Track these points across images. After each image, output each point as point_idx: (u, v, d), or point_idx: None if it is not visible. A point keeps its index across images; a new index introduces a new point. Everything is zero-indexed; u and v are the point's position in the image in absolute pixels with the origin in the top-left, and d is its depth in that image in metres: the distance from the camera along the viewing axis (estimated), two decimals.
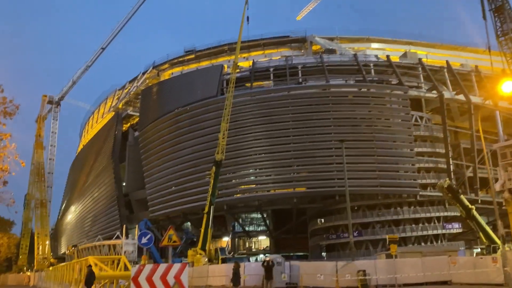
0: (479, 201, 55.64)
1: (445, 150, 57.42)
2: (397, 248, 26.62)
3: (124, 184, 76.39)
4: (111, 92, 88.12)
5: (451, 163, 57.36)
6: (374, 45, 73.95)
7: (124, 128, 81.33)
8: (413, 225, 54.74)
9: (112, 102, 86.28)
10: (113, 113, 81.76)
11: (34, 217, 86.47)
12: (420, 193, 54.65)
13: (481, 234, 44.16)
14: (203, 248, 39.52)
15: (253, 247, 71.45)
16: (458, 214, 52.18)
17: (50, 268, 42.42)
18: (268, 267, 21.26)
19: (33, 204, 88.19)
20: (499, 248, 41.57)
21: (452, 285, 23.87)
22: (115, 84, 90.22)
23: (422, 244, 53.84)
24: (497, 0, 43.54)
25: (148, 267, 13.26)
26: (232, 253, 57.97)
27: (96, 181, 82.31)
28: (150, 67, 79.24)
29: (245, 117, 57.13)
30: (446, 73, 61.60)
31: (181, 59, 77.48)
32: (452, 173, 56.52)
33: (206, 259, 38.15)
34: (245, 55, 70.18)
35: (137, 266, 13.57)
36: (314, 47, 72.46)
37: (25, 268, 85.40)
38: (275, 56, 71.40)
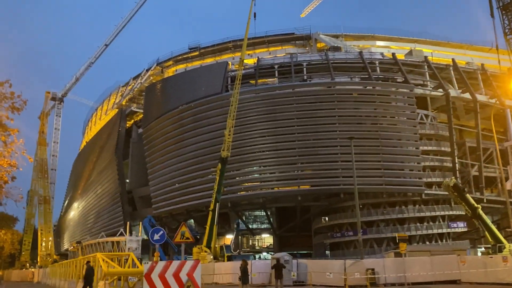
0: (485, 200, 55.40)
1: (451, 149, 57.14)
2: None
3: (127, 181, 76.33)
4: (115, 88, 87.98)
5: (456, 161, 57.06)
6: (379, 43, 73.63)
7: (127, 125, 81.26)
8: (418, 224, 54.50)
9: (115, 99, 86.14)
10: (117, 109, 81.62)
11: (37, 214, 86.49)
12: (425, 191, 54.39)
13: (487, 233, 43.96)
14: (208, 245, 39.39)
15: (256, 245, 71.35)
16: (463, 213, 52.03)
17: (56, 264, 42.32)
18: (278, 266, 21.09)
19: (36, 201, 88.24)
20: (505, 248, 41.46)
21: (461, 284, 23.68)
22: (118, 80, 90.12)
23: (427, 243, 53.65)
24: None
25: (161, 263, 13.06)
26: (238, 250, 57.81)
27: (100, 177, 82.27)
28: (154, 64, 79.00)
29: (249, 114, 56.92)
30: (452, 71, 61.26)
31: (185, 56, 77.25)
32: (457, 172, 56.25)
33: (212, 257, 38.00)
34: (250, 52, 69.86)
35: (150, 262, 13.36)
36: (318, 45, 72.16)
37: (28, 264, 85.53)
38: (279, 53, 71.18)
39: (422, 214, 54.79)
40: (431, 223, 55.01)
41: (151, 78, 78.49)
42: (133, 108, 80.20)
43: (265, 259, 57.48)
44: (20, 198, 23.24)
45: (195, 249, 38.92)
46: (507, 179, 60.29)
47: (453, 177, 48.74)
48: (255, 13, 47.81)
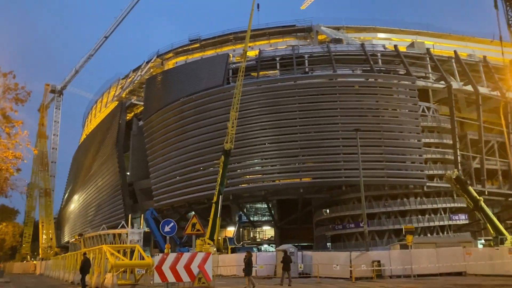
0: (486, 193, 55.49)
1: (453, 141, 57.10)
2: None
3: (128, 173, 76.23)
4: (115, 81, 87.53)
5: (458, 154, 57.06)
6: (381, 35, 73.28)
7: (128, 118, 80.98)
8: (420, 216, 54.60)
9: (115, 91, 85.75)
10: (117, 102, 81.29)
11: (38, 206, 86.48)
12: (427, 184, 54.43)
13: (488, 225, 44.12)
14: (211, 238, 39.39)
15: (257, 237, 71.50)
16: (465, 205, 52.15)
17: (59, 256, 42.33)
18: (286, 259, 21.11)
19: (36, 193, 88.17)
20: (506, 240, 41.61)
21: (467, 276, 23.72)
22: (118, 73, 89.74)
23: (428, 235, 53.78)
24: None
25: (172, 256, 13.03)
26: (242, 243, 57.93)
27: (100, 170, 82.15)
28: (154, 56, 78.50)
29: (251, 107, 56.67)
30: (454, 64, 61.04)
31: (185, 48, 76.74)
32: (459, 164, 56.27)
33: (215, 249, 38.01)
34: (251, 44, 69.09)
35: (160, 255, 13.32)
36: (320, 37, 71.75)
37: (28, 257, 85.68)
38: (280, 45, 70.75)
39: (423, 207, 54.89)
40: (432, 215, 55.13)
41: (151, 70, 78.05)
42: (133, 100, 79.89)
43: (266, 251, 57.65)
44: (26, 190, 23.15)
45: (198, 241, 38.85)
46: (508, 172, 60.55)
47: (455, 170, 48.83)
48: (258, 4, 47.38)
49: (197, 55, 75.21)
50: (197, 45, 75.56)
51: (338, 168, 53.53)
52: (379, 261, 23.68)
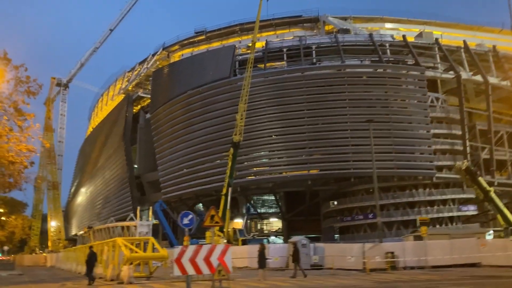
0: (496, 183, 55.12)
1: (462, 132, 56.69)
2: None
3: (135, 166, 76.42)
4: (121, 74, 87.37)
5: (467, 145, 56.66)
6: (388, 25, 72.39)
7: (134, 111, 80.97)
8: (428, 207, 54.42)
9: (121, 84, 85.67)
10: (123, 95, 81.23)
11: (46, 199, 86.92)
12: (436, 175, 54.14)
13: (499, 216, 43.88)
14: (221, 230, 39.40)
15: (264, 229, 71.63)
16: (473, 196, 51.92)
17: (71, 249, 42.55)
18: (296, 251, 21.12)
19: (43, 186, 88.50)
20: None
21: (481, 267, 23.57)
22: (124, 66, 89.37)
23: (437, 226, 53.56)
24: None
25: (191, 248, 12.91)
26: (252, 234, 58.05)
27: (107, 163, 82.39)
28: (160, 49, 78.18)
29: (258, 99, 56.35)
30: (463, 53, 60.39)
31: (191, 40, 76.33)
32: (468, 155, 55.88)
33: (225, 241, 38.04)
34: (257, 35, 68.91)
35: (180, 247, 13.24)
36: (326, 27, 71.01)
37: (37, 249, 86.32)
38: (287, 36, 70.02)
39: (432, 198, 54.73)
40: (441, 206, 54.94)
41: (157, 63, 77.77)
42: (139, 93, 79.78)
43: (274, 243, 57.67)
44: (39, 182, 23.24)
45: (208, 233, 38.94)
46: None
47: (465, 160, 48.47)
48: None
49: (203, 47, 74.84)
50: (203, 37, 75.14)
51: (347, 159, 53.36)
52: (392, 253, 23.58)
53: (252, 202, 67.62)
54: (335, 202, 60.20)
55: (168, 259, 19.65)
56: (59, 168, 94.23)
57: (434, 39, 61.25)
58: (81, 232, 70.88)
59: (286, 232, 62.78)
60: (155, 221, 53.87)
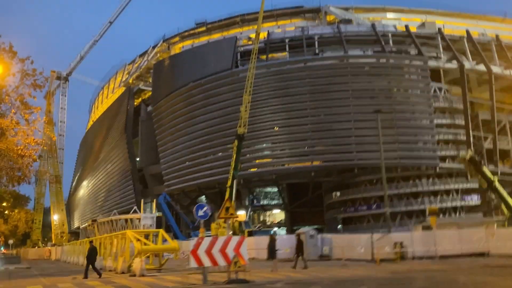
0: (499, 173, 55.12)
1: (465, 122, 56.61)
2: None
3: (137, 159, 76.32)
4: (121, 67, 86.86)
5: (470, 134, 56.59)
6: (390, 15, 71.91)
7: (135, 103, 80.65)
8: (432, 198, 54.47)
9: (122, 77, 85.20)
10: (124, 88, 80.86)
11: (48, 193, 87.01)
12: (439, 165, 54.13)
13: (503, 205, 44.01)
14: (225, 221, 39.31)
15: (267, 220, 71.68)
16: (477, 186, 52.00)
17: (77, 242, 42.60)
18: (298, 242, 21.23)
19: (45, 180, 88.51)
20: None
21: (490, 257, 23.55)
22: (124, 58, 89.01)
23: (441, 216, 53.57)
24: None
25: (207, 240, 12.90)
26: (258, 226, 58.15)
27: (109, 156, 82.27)
28: (160, 41, 77.64)
29: (260, 90, 56.07)
30: (466, 43, 60.08)
31: (192, 32, 75.76)
32: (471, 145, 55.83)
33: (231, 232, 37.99)
34: None
35: (196, 239, 13.20)
36: (328, 18, 70.53)
37: (40, 242, 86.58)
38: (288, 27, 69.54)
39: (436, 188, 54.77)
40: (444, 196, 54.99)
41: (158, 55, 77.29)
42: (140, 86, 79.40)
43: (278, 234, 57.75)
44: (42, 174, 23.15)
45: (213, 225, 38.78)
46: None
47: (469, 150, 48.49)
48: None
49: (203, 39, 74.27)
50: (204, 28, 74.59)
51: (350, 150, 53.26)
52: (401, 243, 23.56)
53: (255, 194, 67.66)
54: (338, 193, 60.21)
55: (179, 251, 19.65)
56: (60, 162, 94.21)
57: (437, 28, 60.90)
58: (84, 225, 71.04)
59: (289, 224, 62.95)
60: (158, 214, 54.02)
